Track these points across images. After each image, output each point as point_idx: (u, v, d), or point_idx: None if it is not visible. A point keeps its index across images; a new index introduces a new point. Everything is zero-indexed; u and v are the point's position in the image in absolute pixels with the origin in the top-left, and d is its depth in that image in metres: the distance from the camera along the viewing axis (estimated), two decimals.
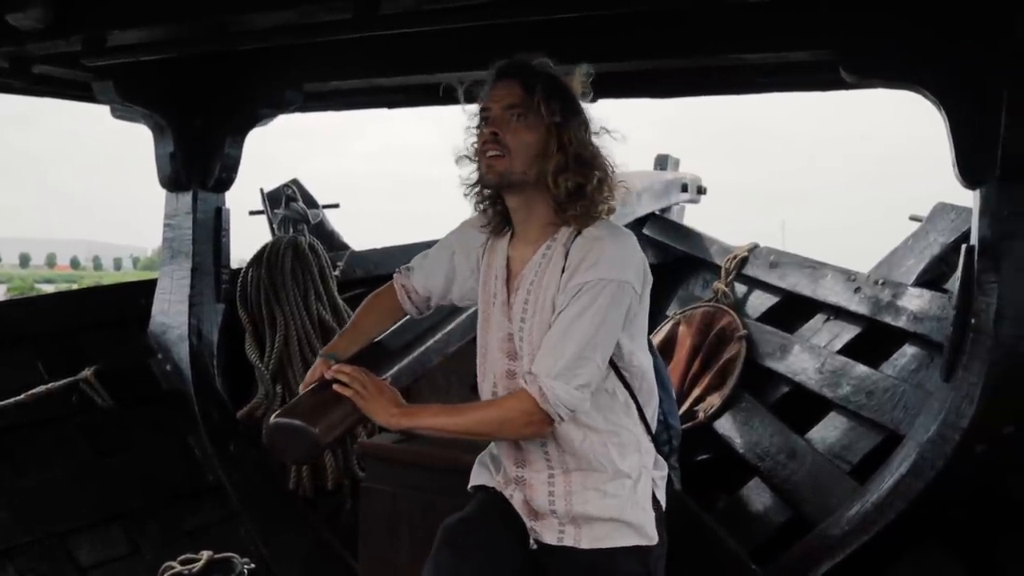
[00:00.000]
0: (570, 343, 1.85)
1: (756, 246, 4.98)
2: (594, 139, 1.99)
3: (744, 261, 4.93)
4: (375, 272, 4.34)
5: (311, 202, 4.50)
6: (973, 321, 2.54)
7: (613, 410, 2.00)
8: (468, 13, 2.53)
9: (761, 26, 2.69)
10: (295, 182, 4.47)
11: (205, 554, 3.18)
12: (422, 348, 2.86)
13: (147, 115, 3.67)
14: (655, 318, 4.86)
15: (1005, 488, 2.76)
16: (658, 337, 4.69)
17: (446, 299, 2.31)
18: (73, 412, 3.65)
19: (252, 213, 4.38)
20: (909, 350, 3.68)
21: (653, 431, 2.10)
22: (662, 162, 6.27)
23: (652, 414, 2.09)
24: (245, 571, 3.19)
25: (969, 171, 2.51)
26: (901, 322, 3.75)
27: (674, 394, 2.35)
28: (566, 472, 2.02)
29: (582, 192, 1.93)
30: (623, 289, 1.87)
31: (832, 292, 4.24)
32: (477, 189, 2.08)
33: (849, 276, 4.18)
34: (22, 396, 3.48)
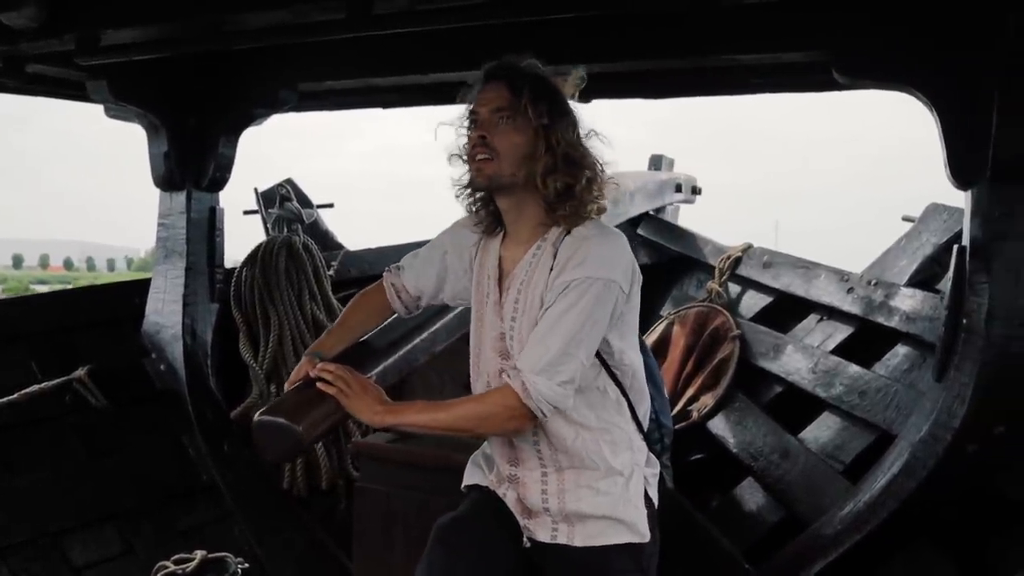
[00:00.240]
0: (555, 339, 1.86)
1: (750, 246, 4.99)
2: (584, 139, 1.99)
3: (738, 261, 4.94)
4: (369, 272, 4.33)
5: (305, 202, 4.50)
6: (964, 321, 2.55)
7: (605, 408, 2.01)
8: (461, 13, 2.54)
9: (755, 27, 2.70)
10: (289, 182, 4.47)
11: (199, 554, 3.18)
12: (408, 347, 2.87)
13: (141, 114, 3.66)
14: (649, 318, 4.88)
15: (996, 488, 2.77)
16: (652, 337, 4.70)
17: (437, 299, 2.31)
18: (67, 412, 3.64)
19: (246, 212, 4.38)
20: (901, 350, 3.69)
21: (645, 429, 2.11)
22: (656, 162, 6.28)
23: (644, 412, 2.10)
24: (239, 571, 3.19)
25: (961, 172, 2.51)
26: (894, 322, 3.77)
27: (666, 393, 2.36)
28: (559, 470, 2.03)
29: (571, 192, 1.94)
30: (609, 288, 1.88)
31: (825, 292, 4.25)
32: (468, 191, 2.09)
33: (842, 276, 4.20)
34: (15, 395, 3.47)
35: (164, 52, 3.13)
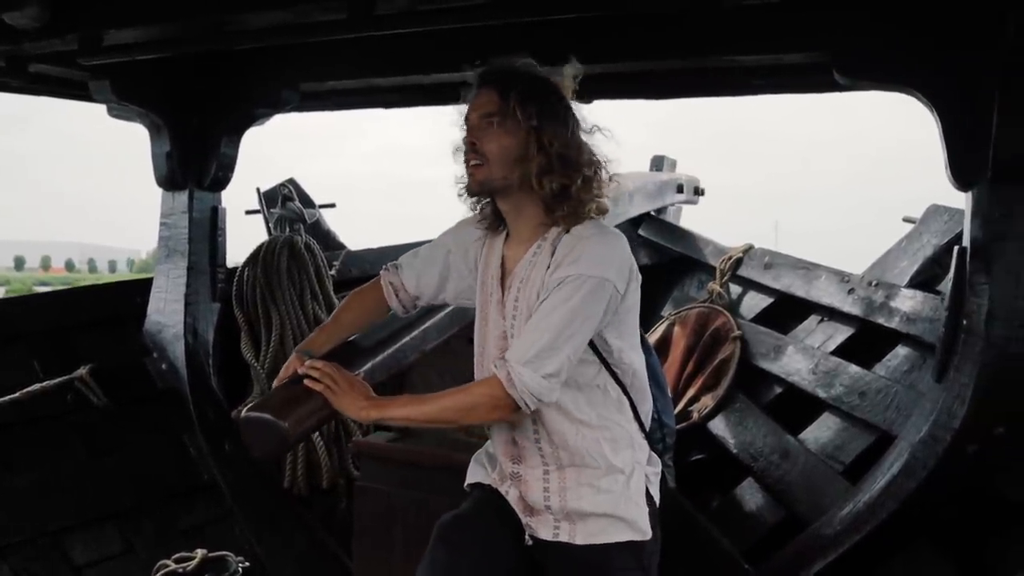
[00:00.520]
0: (543, 333, 1.88)
1: (751, 247, 4.99)
2: (584, 138, 2.00)
3: (739, 262, 4.94)
4: (371, 271, 4.30)
5: (307, 201, 4.51)
6: (965, 322, 2.56)
7: (605, 406, 2.02)
8: (462, 14, 2.54)
9: (755, 28, 2.70)
10: (291, 182, 4.48)
11: (199, 553, 3.19)
12: (397, 345, 2.89)
13: (143, 114, 3.67)
14: (650, 319, 4.88)
15: (996, 488, 2.77)
16: (653, 337, 4.70)
17: (438, 298, 2.32)
18: (68, 411, 3.65)
19: (248, 212, 4.39)
20: (902, 351, 3.69)
21: (647, 428, 2.11)
22: (658, 163, 6.28)
23: (646, 412, 2.11)
24: (239, 570, 3.20)
25: (961, 173, 2.52)
26: (894, 323, 3.77)
27: (669, 393, 2.36)
28: (560, 468, 2.04)
29: (567, 192, 1.96)
30: (603, 287, 1.89)
31: (826, 293, 4.25)
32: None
33: (843, 277, 4.20)
34: (17, 394, 3.47)
35: (166, 52, 3.14)
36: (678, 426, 3.62)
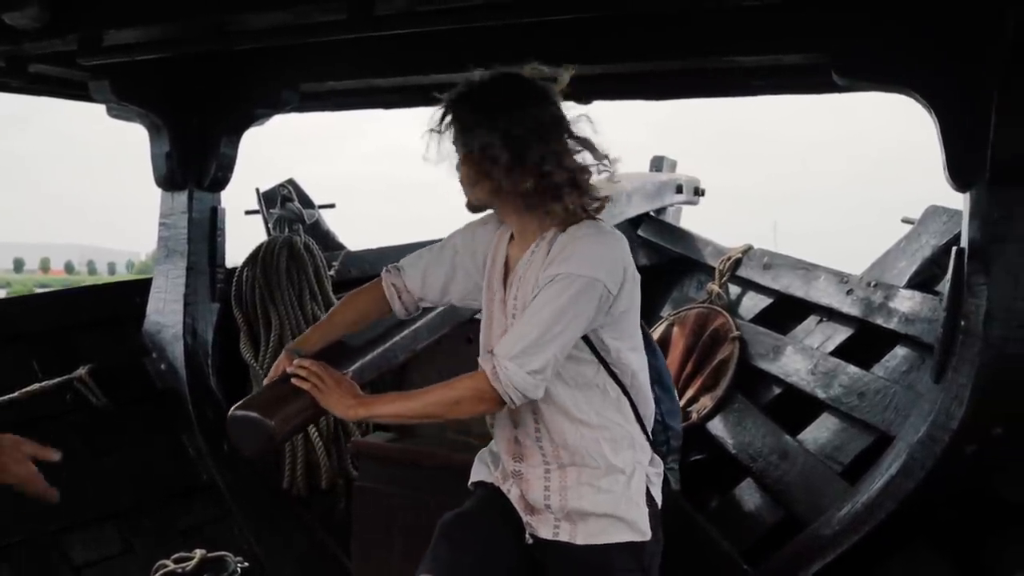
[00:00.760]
0: (531, 329, 1.89)
1: (750, 248, 5.00)
2: (553, 141, 1.96)
3: (738, 263, 4.94)
4: (370, 272, 4.30)
5: (307, 202, 4.51)
6: (963, 323, 2.55)
7: (605, 406, 2.02)
8: (461, 15, 2.55)
9: (754, 29, 2.70)
10: (291, 182, 4.48)
11: (198, 553, 3.19)
12: (386, 344, 2.89)
13: (143, 114, 3.67)
14: (649, 319, 4.88)
15: (994, 489, 2.78)
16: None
17: (443, 300, 2.32)
18: (67, 411, 3.64)
19: (248, 213, 4.39)
20: (900, 352, 3.70)
21: (649, 429, 2.12)
22: (658, 164, 6.28)
23: (648, 413, 2.11)
24: (238, 570, 3.20)
25: (959, 173, 2.52)
26: (893, 324, 3.78)
27: (677, 396, 2.35)
28: (561, 467, 2.04)
29: (537, 199, 1.96)
30: (592, 287, 1.89)
31: (825, 294, 4.26)
32: None
33: (842, 278, 4.21)
34: (16, 394, 3.47)
35: (166, 52, 3.14)
36: None
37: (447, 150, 2.03)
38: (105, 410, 3.70)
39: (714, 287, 4.88)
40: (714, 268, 5.03)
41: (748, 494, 3.72)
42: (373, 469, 3.02)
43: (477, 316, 2.99)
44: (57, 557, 3.28)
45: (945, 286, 2.67)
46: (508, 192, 1.97)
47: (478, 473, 2.26)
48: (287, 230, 4.16)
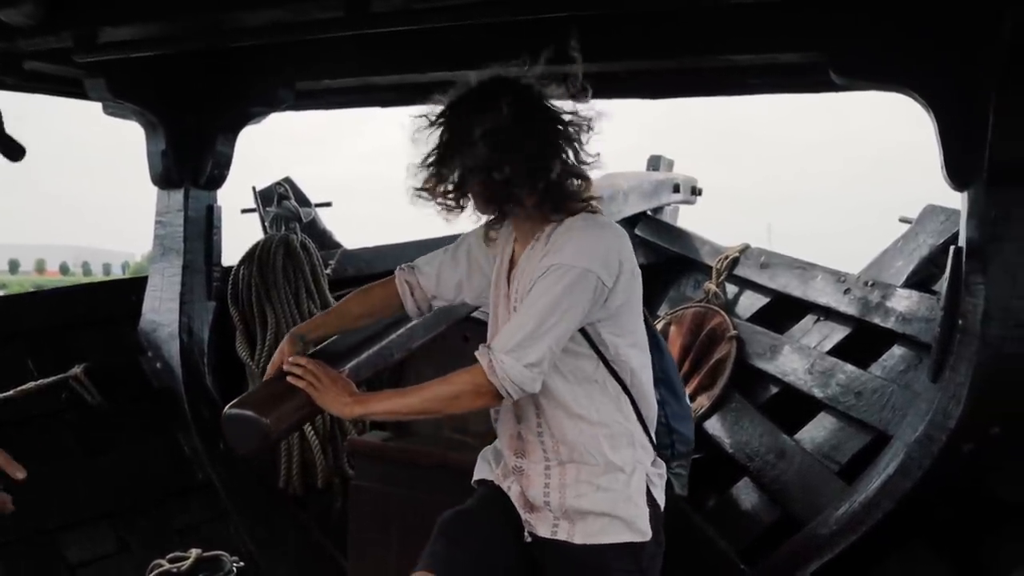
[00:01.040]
0: (526, 321, 1.89)
1: (747, 247, 5.00)
2: (560, 144, 1.95)
3: (735, 262, 4.95)
4: (367, 271, 4.32)
5: (303, 200, 4.50)
6: (960, 322, 2.56)
7: (604, 402, 2.02)
8: (457, 12, 2.54)
9: (750, 27, 2.70)
10: (287, 180, 4.47)
11: (194, 552, 3.18)
12: (383, 342, 2.87)
13: (139, 112, 3.66)
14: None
15: (991, 488, 2.78)
16: None
17: (457, 298, 2.31)
18: (63, 409, 3.63)
19: (244, 211, 4.38)
20: (897, 351, 3.70)
21: (652, 430, 2.11)
22: (655, 163, 6.28)
23: (649, 412, 2.10)
24: (234, 569, 3.19)
25: (957, 173, 2.52)
26: (890, 323, 3.78)
27: (687, 401, 2.33)
28: (561, 464, 2.04)
29: (542, 199, 1.96)
30: (585, 278, 1.89)
31: (822, 293, 4.26)
32: None
33: (839, 277, 4.21)
34: (11, 392, 3.46)
35: (162, 50, 3.13)
36: None
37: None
38: (100, 409, 3.69)
39: (711, 286, 4.89)
40: (711, 267, 5.04)
41: (745, 493, 3.72)
42: (369, 468, 3.02)
43: (473, 314, 2.99)
44: (52, 556, 3.28)
45: (942, 285, 2.68)
46: (508, 196, 1.96)
47: (480, 471, 2.27)
48: (283, 228, 4.15)
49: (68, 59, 3.16)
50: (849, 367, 3.76)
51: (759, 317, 4.61)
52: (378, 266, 4.14)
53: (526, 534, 2.10)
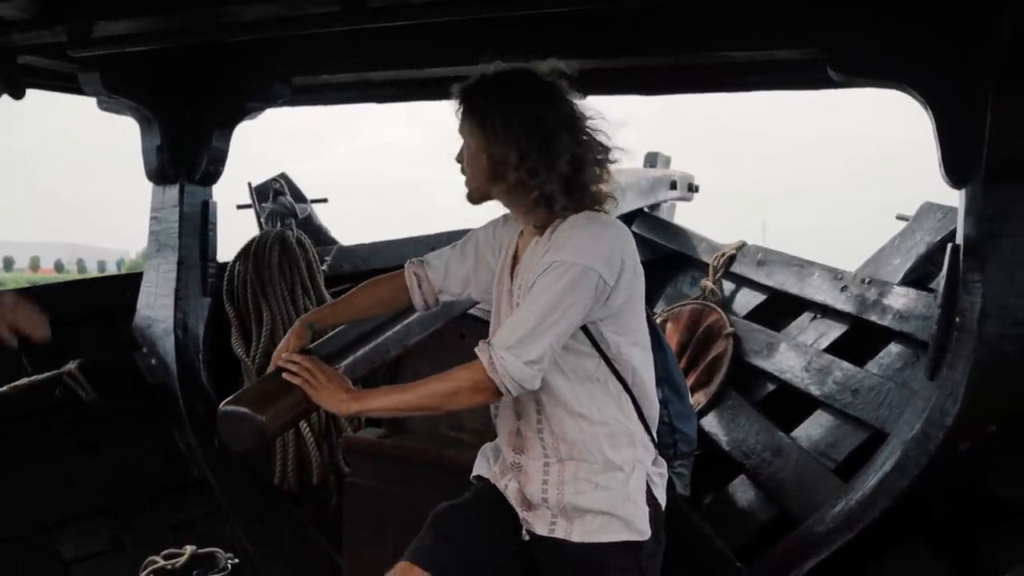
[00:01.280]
0: (527, 318, 1.88)
1: (744, 244, 5.00)
2: (544, 133, 1.95)
3: (732, 259, 4.94)
4: (363, 267, 4.31)
5: (299, 196, 4.49)
6: (958, 320, 2.55)
7: (605, 401, 2.01)
8: (454, 7, 2.54)
9: (748, 23, 2.69)
10: (283, 176, 4.46)
11: (189, 549, 3.18)
12: (379, 339, 2.87)
13: (134, 107, 3.64)
14: None
15: (988, 486, 2.78)
16: None
17: (464, 293, 2.31)
18: (57, 405, 3.62)
19: (240, 207, 4.37)
20: (894, 348, 3.70)
21: (653, 428, 2.10)
22: (652, 160, 6.28)
23: (651, 412, 2.09)
24: (229, 566, 3.19)
25: (955, 171, 2.52)
26: (887, 321, 3.77)
27: (690, 400, 2.31)
28: (560, 461, 2.03)
29: (552, 194, 1.95)
30: (587, 275, 1.88)
31: (819, 290, 4.26)
32: None
33: (836, 275, 4.21)
34: (5, 388, 3.45)
35: (157, 44, 3.11)
36: None
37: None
38: (95, 405, 3.68)
39: (708, 283, 4.88)
40: (708, 264, 5.04)
41: (741, 491, 3.71)
42: (365, 465, 3.01)
43: (470, 311, 2.98)
44: (46, 553, 3.27)
45: (940, 283, 2.68)
46: (520, 189, 1.96)
47: (478, 467, 2.27)
48: (279, 224, 4.14)
49: (62, 53, 3.14)
50: (846, 365, 3.76)
51: (756, 314, 4.60)
52: (374, 262, 4.14)
53: (524, 532, 2.09)
